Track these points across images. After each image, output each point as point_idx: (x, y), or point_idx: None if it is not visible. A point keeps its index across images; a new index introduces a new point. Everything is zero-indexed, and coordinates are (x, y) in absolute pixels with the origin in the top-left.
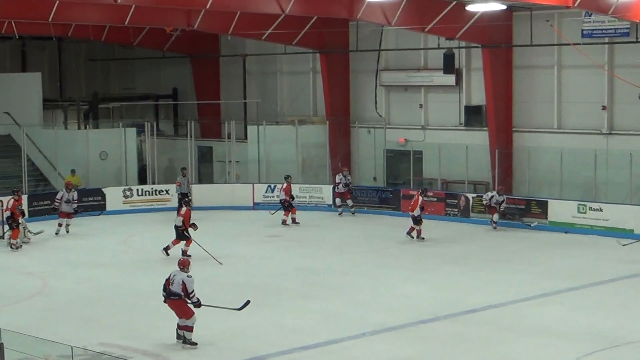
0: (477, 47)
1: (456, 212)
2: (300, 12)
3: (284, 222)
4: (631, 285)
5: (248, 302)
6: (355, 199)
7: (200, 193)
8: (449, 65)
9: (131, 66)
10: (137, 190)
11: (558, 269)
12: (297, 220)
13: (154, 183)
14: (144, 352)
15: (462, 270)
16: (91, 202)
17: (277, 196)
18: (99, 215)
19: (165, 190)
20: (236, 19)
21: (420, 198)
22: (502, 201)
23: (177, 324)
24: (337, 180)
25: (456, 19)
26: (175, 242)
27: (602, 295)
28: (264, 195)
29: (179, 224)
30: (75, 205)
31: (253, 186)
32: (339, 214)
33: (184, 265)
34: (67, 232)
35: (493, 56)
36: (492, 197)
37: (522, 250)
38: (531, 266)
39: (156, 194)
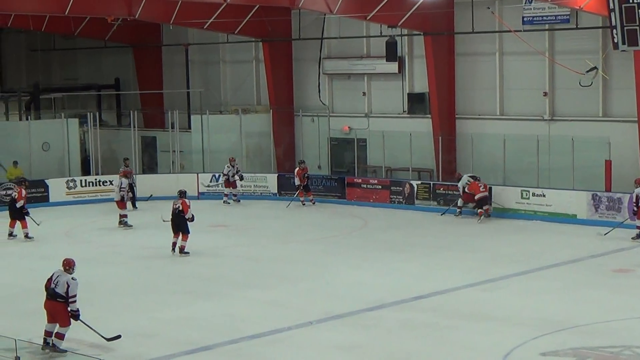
0: (419, 34)
1: (401, 200)
2: (242, 1)
3: (303, 203)
4: (574, 270)
5: (119, 337)
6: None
7: (144, 183)
8: (391, 53)
9: (73, 56)
10: (81, 181)
11: (503, 254)
12: (313, 201)
13: (97, 174)
14: (89, 344)
15: (408, 257)
16: (34, 194)
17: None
18: (148, 199)
19: (109, 181)
20: (178, 7)
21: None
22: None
23: (45, 331)
24: (225, 172)
25: (398, 7)
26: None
27: (546, 280)
28: (208, 184)
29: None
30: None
31: (197, 175)
32: (226, 203)
33: (69, 265)
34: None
35: (435, 43)
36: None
37: (466, 237)
38: (476, 252)
39: (99, 185)
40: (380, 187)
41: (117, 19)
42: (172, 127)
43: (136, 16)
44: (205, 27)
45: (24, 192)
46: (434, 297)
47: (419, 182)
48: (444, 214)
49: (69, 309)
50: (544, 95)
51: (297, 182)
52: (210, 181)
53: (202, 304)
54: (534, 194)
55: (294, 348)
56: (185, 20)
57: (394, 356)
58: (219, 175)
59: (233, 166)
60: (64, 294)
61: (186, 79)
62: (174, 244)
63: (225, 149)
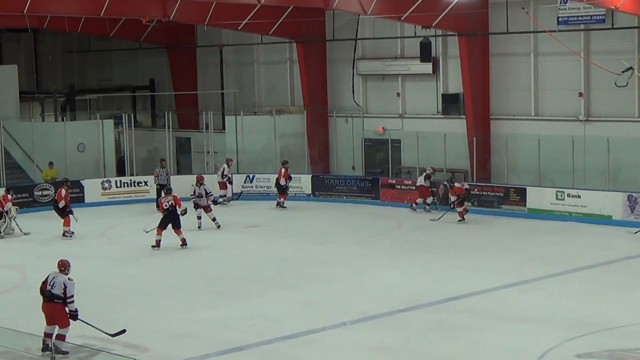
0: (454, 35)
1: (435, 200)
2: (276, 1)
3: (278, 205)
4: (609, 272)
5: (124, 331)
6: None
7: (179, 184)
8: (425, 53)
9: (108, 57)
10: (116, 182)
11: (537, 255)
12: (284, 205)
13: (132, 175)
14: (124, 344)
15: (442, 258)
16: (70, 194)
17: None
18: (237, 198)
19: (144, 182)
20: (212, 9)
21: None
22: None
23: (45, 333)
24: (226, 172)
25: (432, 7)
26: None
27: (581, 282)
28: (242, 185)
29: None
30: (212, 197)
31: (232, 176)
32: (220, 203)
33: (64, 266)
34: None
35: (469, 44)
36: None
37: (501, 238)
38: (510, 253)
39: (134, 186)
40: (414, 188)
41: (151, 20)
42: (207, 128)
43: (171, 17)
44: (239, 28)
45: (64, 192)
46: (468, 298)
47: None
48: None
49: (67, 309)
50: (579, 96)
51: (282, 182)
52: (244, 182)
53: (235, 304)
54: (569, 195)
55: (327, 349)
56: (219, 22)
57: (428, 358)
58: (253, 177)
59: (229, 166)
60: (61, 295)
61: (220, 79)
62: (159, 242)
63: (259, 149)
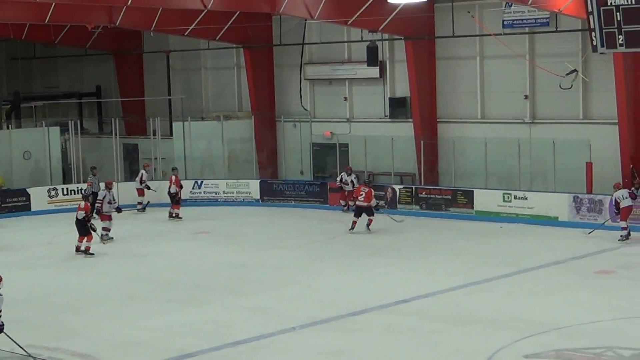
0: (400, 39)
1: (383, 204)
2: (223, 7)
3: (170, 215)
4: (557, 272)
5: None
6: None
7: (127, 191)
8: (372, 57)
9: (53, 64)
10: (62, 189)
11: (486, 257)
12: (180, 216)
13: (79, 182)
14: (72, 353)
15: (392, 261)
16: (15, 203)
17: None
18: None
19: None
20: (158, 14)
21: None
22: (352, 182)
23: None
24: (144, 178)
25: (379, 12)
26: (80, 239)
27: (530, 283)
28: (190, 191)
29: (80, 217)
30: (116, 205)
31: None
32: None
33: None
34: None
35: (416, 48)
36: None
37: (450, 240)
38: (459, 255)
39: (82, 193)
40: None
41: (97, 26)
42: (154, 135)
43: (117, 24)
44: (186, 33)
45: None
46: (418, 300)
47: (401, 186)
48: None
49: None
50: (525, 98)
51: (173, 190)
52: (193, 188)
53: (186, 311)
54: (515, 197)
55: (278, 354)
56: (166, 27)
57: None
58: (201, 182)
59: (147, 172)
60: None
61: (168, 86)
62: (79, 247)
63: (207, 155)
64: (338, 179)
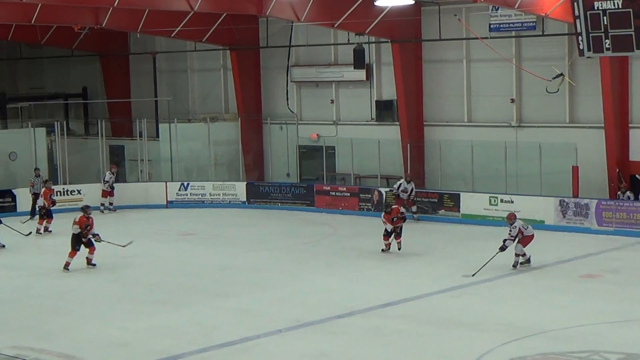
0: (387, 42)
1: (370, 207)
2: (209, 8)
3: (38, 231)
4: (542, 276)
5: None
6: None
7: (120, 192)
8: (359, 60)
9: (39, 65)
10: None
11: (472, 261)
12: (49, 229)
13: (65, 183)
14: (58, 354)
15: (377, 264)
16: (1, 204)
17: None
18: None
19: (77, 190)
20: (145, 16)
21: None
22: (412, 189)
23: None
24: (107, 179)
25: (365, 14)
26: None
27: (515, 286)
28: (177, 193)
29: (41, 204)
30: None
31: (166, 184)
32: (101, 212)
33: None
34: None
35: (402, 51)
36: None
37: (436, 243)
38: (445, 259)
39: (67, 194)
40: (349, 194)
41: (83, 27)
42: (140, 136)
43: (103, 25)
44: (172, 35)
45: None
46: (403, 304)
47: (388, 189)
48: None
49: None
50: (511, 102)
51: (45, 204)
52: (179, 190)
53: (172, 313)
54: (502, 200)
55: (264, 356)
56: (152, 29)
57: None
58: (187, 184)
59: (113, 174)
60: None
61: (154, 87)
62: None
63: (193, 157)
64: (396, 186)
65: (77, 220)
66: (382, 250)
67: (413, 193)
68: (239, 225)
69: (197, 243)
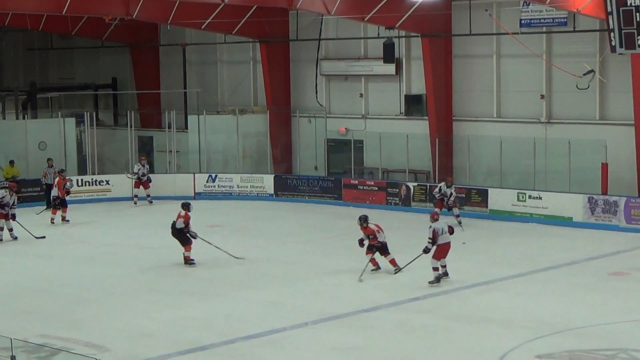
0: (417, 36)
1: (397, 201)
2: (240, 1)
3: (52, 220)
4: (570, 273)
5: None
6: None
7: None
8: (388, 54)
9: (70, 56)
10: (77, 180)
11: (500, 256)
12: (67, 219)
13: (94, 173)
14: (85, 344)
15: (404, 258)
16: (30, 193)
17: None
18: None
19: (106, 181)
20: (175, 7)
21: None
22: (450, 194)
23: None
24: (135, 170)
25: (396, 8)
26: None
27: (543, 283)
28: (205, 185)
29: (55, 194)
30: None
31: (194, 176)
32: (134, 204)
33: None
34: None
35: (432, 45)
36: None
37: (463, 239)
38: (473, 254)
39: (96, 185)
40: (376, 188)
41: (114, 18)
42: (169, 128)
43: (134, 16)
44: (202, 27)
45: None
46: (431, 298)
47: (416, 184)
48: None
49: None
50: (541, 98)
51: (55, 192)
52: (207, 181)
53: (199, 304)
54: (530, 197)
55: (290, 349)
56: (182, 20)
57: (391, 358)
58: (215, 176)
59: (143, 165)
60: None
61: (183, 79)
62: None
63: (222, 149)
64: (437, 189)
65: (182, 214)
66: (372, 270)
67: (452, 198)
68: (266, 217)
69: (225, 235)
